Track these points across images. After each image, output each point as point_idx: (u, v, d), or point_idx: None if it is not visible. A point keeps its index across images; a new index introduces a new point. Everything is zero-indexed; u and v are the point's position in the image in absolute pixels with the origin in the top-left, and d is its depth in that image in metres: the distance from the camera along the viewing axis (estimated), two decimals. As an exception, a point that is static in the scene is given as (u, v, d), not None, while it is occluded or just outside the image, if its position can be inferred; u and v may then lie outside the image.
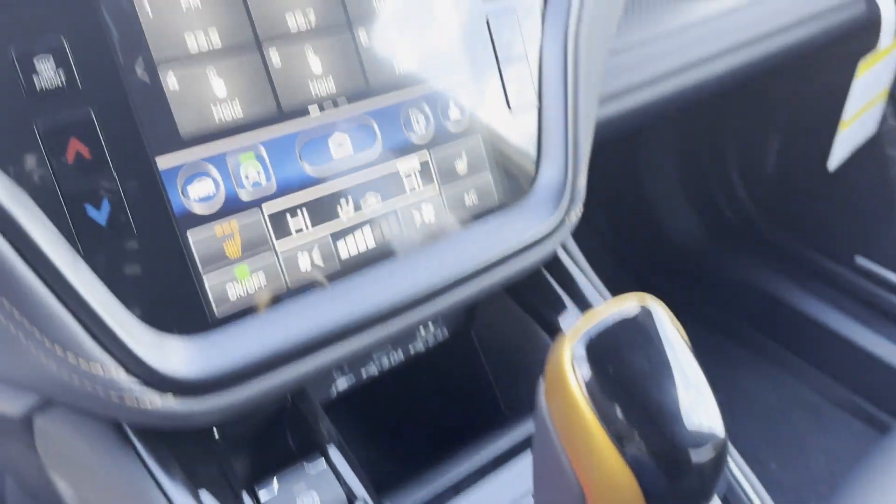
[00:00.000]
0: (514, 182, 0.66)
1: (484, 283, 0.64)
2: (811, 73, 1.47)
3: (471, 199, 0.64)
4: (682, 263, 1.85)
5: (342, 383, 0.70)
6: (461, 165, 0.64)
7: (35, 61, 0.45)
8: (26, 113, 0.45)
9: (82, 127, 0.46)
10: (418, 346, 0.75)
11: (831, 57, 1.33)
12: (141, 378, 0.47)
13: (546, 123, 0.67)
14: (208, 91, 0.51)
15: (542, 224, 0.66)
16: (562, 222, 0.67)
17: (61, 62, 0.45)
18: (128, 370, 0.47)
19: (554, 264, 0.74)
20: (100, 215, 0.48)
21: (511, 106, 0.66)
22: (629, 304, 0.41)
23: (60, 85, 0.46)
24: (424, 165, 0.62)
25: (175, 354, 0.49)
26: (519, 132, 0.67)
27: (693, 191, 1.84)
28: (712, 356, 1.69)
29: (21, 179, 0.45)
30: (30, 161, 0.45)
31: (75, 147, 0.46)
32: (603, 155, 0.91)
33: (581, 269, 0.75)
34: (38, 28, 0.45)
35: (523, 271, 0.67)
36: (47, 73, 0.45)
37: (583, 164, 0.69)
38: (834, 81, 1.31)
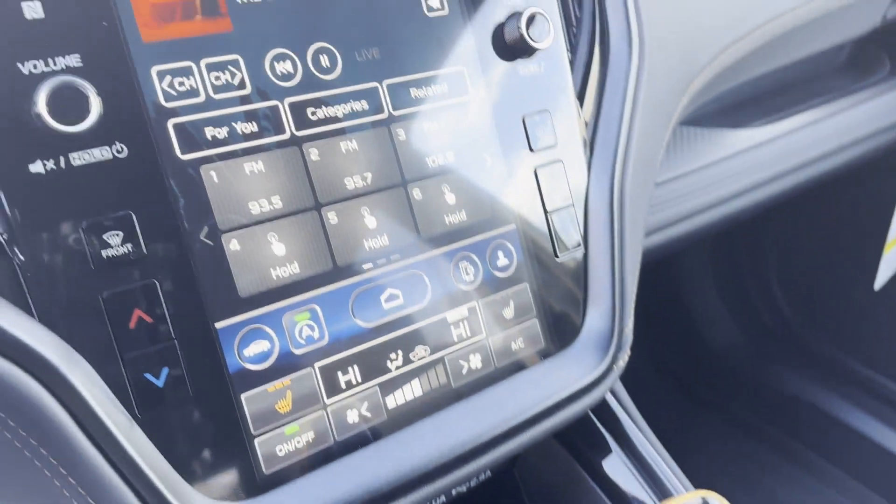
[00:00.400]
0: (561, 328, 0.66)
1: (531, 434, 0.63)
2: (856, 184, 1.47)
3: (518, 346, 0.64)
4: (722, 370, 1.82)
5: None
6: (508, 312, 0.64)
7: (104, 236, 0.47)
8: (92, 284, 0.46)
9: (146, 296, 0.48)
10: (460, 488, 0.74)
11: (877, 170, 1.32)
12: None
13: (592, 269, 0.68)
14: (268, 253, 0.53)
15: (591, 372, 0.66)
16: (610, 369, 0.67)
17: (129, 235, 0.47)
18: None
19: (599, 406, 0.73)
20: (157, 379, 0.48)
21: (558, 253, 0.66)
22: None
23: (127, 255, 0.47)
24: (472, 313, 0.62)
25: (223, 520, 0.48)
26: (565, 278, 0.67)
27: (732, 298, 1.82)
28: (751, 464, 1.64)
29: (82, 346, 0.46)
30: (92, 329, 0.46)
31: (138, 314, 0.48)
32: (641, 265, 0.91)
33: (626, 411, 0.74)
34: (108, 205, 0.47)
35: (570, 419, 0.66)
36: (115, 245, 0.47)
37: (629, 309, 0.69)
38: (881, 193, 1.30)
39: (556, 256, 0.66)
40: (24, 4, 0.45)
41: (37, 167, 0.45)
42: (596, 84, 0.70)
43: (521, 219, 0.65)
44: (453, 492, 0.74)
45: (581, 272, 0.68)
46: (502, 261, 0.64)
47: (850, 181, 1.44)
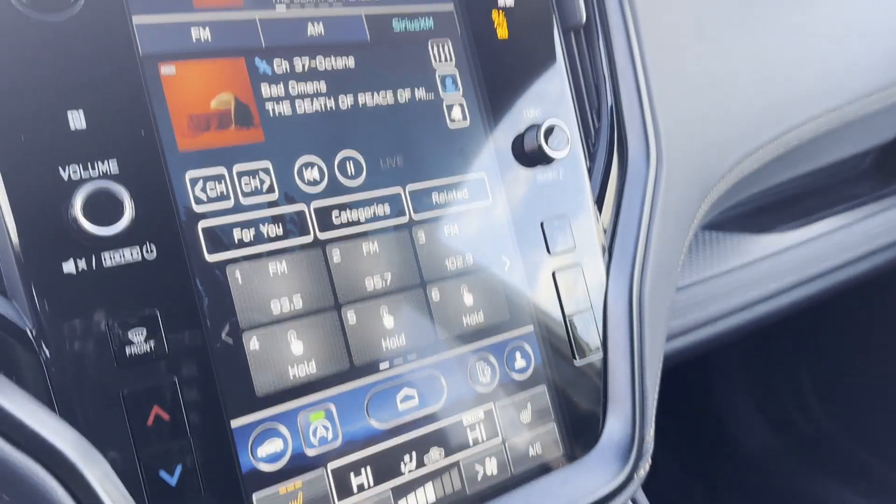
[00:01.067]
0: (580, 434, 0.66)
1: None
2: (889, 286, 1.45)
3: (535, 452, 0.63)
4: (753, 476, 1.75)
5: None
6: (526, 416, 0.63)
7: (129, 333, 0.48)
8: (114, 380, 0.48)
9: (165, 393, 0.49)
10: None
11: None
12: None
13: (612, 374, 0.67)
14: (286, 352, 0.54)
15: (610, 481, 0.64)
16: (630, 478, 0.65)
17: (153, 333, 0.49)
18: None
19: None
20: (171, 476, 0.49)
21: (576, 357, 0.66)
22: None
23: (150, 353, 0.49)
24: (489, 416, 0.62)
25: None
26: (584, 383, 0.67)
27: (764, 401, 1.77)
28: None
29: (100, 441, 0.47)
30: (111, 425, 0.47)
31: (156, 412, 0.49)
32: (669, 367, 0.90)
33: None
34: (135, 303, 0.49)
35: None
36: (139, 342, 0.48)
37: (650, 416, 0.68)
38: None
39: (575, 360, 0.66)
40: (69, 113, 0.49)
41: (69, 266, 0.47)
42: (614, 191, 0.72)
43: (540, 321, 0.65)
44: None
45: (600, 377, 0.67)
46: (520, 363, 0.64)
47: (882, 282, 1.42)
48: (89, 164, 0.48)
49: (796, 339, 1.68)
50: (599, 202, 0.71)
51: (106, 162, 0.49)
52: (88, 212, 0.47)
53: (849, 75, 0.98)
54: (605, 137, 0.73)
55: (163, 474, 0.48)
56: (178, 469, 0.49)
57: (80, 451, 0.46)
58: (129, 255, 0.49)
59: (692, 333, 0.87)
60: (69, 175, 0.48)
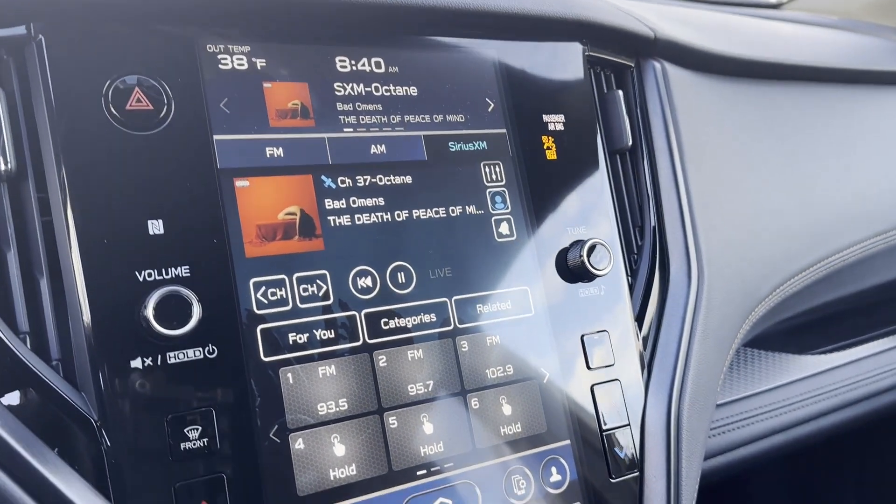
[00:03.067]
0: (612, 553, 0.65)
1: None
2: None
3: (567, 569, 0.63)
4: None
5: None
6: (559, 531, 0.64)
7: (185, 430, 0.51)
8: (167, 473, 0.50)
9: (213, 488, 0.51)
10: None
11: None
12: None
13: (647, 492, 0.67)
14: (329, 454, 0.56)
15: None
16: None
17: (207, 430, 0.52)
18: None
19: None
20: (213, 572, 0.50)
21: (612, 473, 0.67)
22: None
23: (203, 449, 0.51)
24: (522, 529, 0.62)
25: None
26: (619, 500, 0.67)
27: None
28: None
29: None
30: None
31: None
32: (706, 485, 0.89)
33: None
34: (193, 400, 0.52)
35: None
36: (193, 438, 0.51)
37: (686, 538, 0.67)
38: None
39: (611, 478, 0.67)
40: (150, 221, 0.53)
41: (136, 363, 0.51)
42: (655, 308, 0.73)
43: (577, 435, 0.66)
44: None
45: (636, 496, 0.67)
46: (555, 477, 0.65)
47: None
48: (164, 269, 0.53)
49: (842, 463, 1.62)
50: (640, 318, 0.73)
51: (179, 268, 0.53)
52: (159, 313, 0.51)
53: (892, 200, 0.99)
54: (648, 256, 0.75)
55: (203, 570, 0.50)
56: (221, 565, 0.51)
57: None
58: (192, 354, 0.52)
59: (731, 452, 0.87)
60: (144, 278, 0.52)
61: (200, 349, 0.52)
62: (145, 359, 0.51)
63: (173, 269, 0.53)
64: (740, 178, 0.86)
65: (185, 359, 0.52)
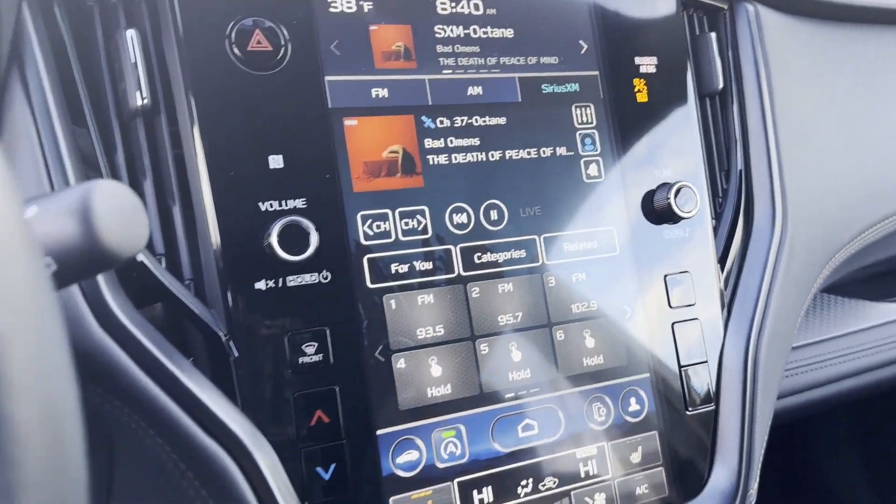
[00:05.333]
0: (685, 480, 0.69)
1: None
2: None
3: (641, 492, 0.68)
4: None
5: None
6: (636, 457, 0.68)
7: (303, 345, 0.56)
8: (287, 384, 0.56)
9: (327, 399, 0.57)
10: None
11: None
12: None
13: (721, 426, 0.71)
14: (427, 374, 0.61)
15: (711, 528, 0.68)
16: (731, 528, 0.68)
17: (322, 346, 0.57)
18: None
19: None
20: (325, 472, 0.57)
21: (688, 406, 0.70)
22: None
23: (318, 364, 0.57)
24: (601, 453, 0.67)
25: None
26: (694, 432, 0.70)
27: (874, 468, 1.71)
28: None
29: (271, 435, 0.55)
30: (281, 421, 0.56)
31: (318, 415, 0.57)
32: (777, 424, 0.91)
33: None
34: (309, 320, 0.57)
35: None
36: (310, 354, 0.57)
37: (755, 470, 0.70)
38: None
39: (687, 410, 0.70)
40: (269, 157, 0.58)
41: (260, 285, 0.56)
42: (738, 251, 0.75)
43: (655, 369, 0.70)
44: None
45: (710, 427, 0.71)
46: (634, 407, 0.68)
47: None
48: (283, 200, 0.57)
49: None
50: (722, 260, 0.75)
51: (297, 199, 0.58)
52: (281, 240, 0.56)
53: None
54: (733, 199, 0.77)
55: (318, 469, 0.56)
56: (332, 467, 0.57)
57: (255, 441, 0.54)
58: (310, 278, 0.57)
59: (804, 394, 0.89)
60: (266, 208, 0.57)
61: (316, 274, 0.57)
62: (268, 281, 0.56)
63: (292, 200, 0.57)
64: (827, 123, 0.85)
65: (303, 282, 0.57)
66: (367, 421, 0.58)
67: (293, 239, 0.56)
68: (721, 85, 0.77)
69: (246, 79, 0.58)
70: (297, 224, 0.56)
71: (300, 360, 0.56)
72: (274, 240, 0.55)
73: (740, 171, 0.78)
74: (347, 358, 0.58)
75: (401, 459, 0.59)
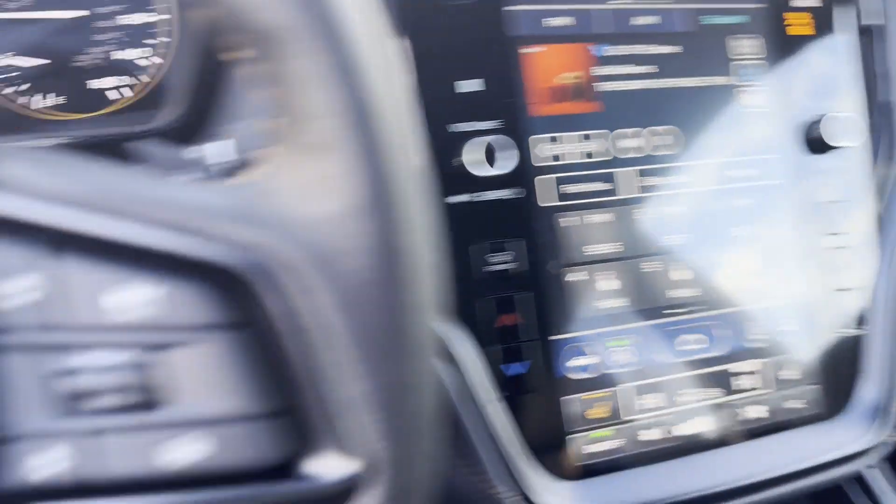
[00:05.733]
0: (833, 396, 0.72)
1: (790, 488, 0.69)
2: None
3: (791, 406, 0.71)
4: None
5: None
6: (787, 374, 0.71)
7: (490, 254, 0.62)
8: (480, 288, 0.62)
9: (512, 304, 0.62)
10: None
11: None
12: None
13: (870, 348, 0.73)
14: (598, 287, 0.65)
15: (855, 442, 0.71)
16: (875, 444, 0.71)
17: (507, 256, 0.62)
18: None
19: (859, 482, 0.77)
20: (509, 371, 0.62)
21: (839, 328, 0.73)
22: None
23: (504, 272, 0.62)
24: (756, 369, 0.70)
25: (544, 489, 0.61)
26: (843, 351, 0.73)
27: None
28: None
29: (469, 334, 0.61)
30: (476, 322, 0.61)
31: (503, 318, 0.62)
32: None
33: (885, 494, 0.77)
34: (497, 231, 0.62)
35: (830, 483, 0.71)
36: (496, 262, 0.62)
37: (902, 391, 0.73)
38: None
39: (838, 332, 0.73)
40: (462, 82, 0.62)
41: (454, 199, 0.61)
42: (893, 182, 0.76)
43: (810, 293, 0.72)
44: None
45: (859, 349, 0.73)
46: (788, 327, 0.72)
47: None
48: (474, 122, 0.62)
49: None
50: (880, 191, 0.76)
51: (486, 122, 0.62)
52: (471, 159, 0.61)
53: None
54: (890, 132, 0.77)
55: (503, 368, 0.62)
56: (515, 367, 0.62)
57: (458, 337, 0.60)
58: (500, 194, 0.62)
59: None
60: (460, 129, 0.62)
61: (507, 191, 0.62)
62: (461, 196, 0.61)
63: (481, 122, 0.62)
64: None
65: (491, 198, 0.62)
66: (548, 328, 0.63)
67: (482, 158, 0.61)
68: (884, 20, 0.78)
69: (439, 7, 0.62)
70: (485, 144, 0.61)
71: (485, 268, 0.62)
72: (465, 158, 0.60)
73: (890, 104, 0.79)
74: (527, 269, 0.63)
75: (574, 363, 0.64)
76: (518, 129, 0.63)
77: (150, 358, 0.31)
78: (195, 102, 0.61)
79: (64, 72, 0.67)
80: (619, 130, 0.67)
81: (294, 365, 0.32)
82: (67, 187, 0.31)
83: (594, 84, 0.67)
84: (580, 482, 0.63)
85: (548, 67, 0.65)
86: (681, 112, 0.69)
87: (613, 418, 0.65)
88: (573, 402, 0.64)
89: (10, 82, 0.66)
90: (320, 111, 0.32)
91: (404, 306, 0.33)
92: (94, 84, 0.68)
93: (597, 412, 0.65)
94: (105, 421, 0.30)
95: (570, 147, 0.65)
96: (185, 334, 0.31)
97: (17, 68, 0.66)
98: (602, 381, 0.65)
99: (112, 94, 0.69)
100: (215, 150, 0.45)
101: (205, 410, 0.31)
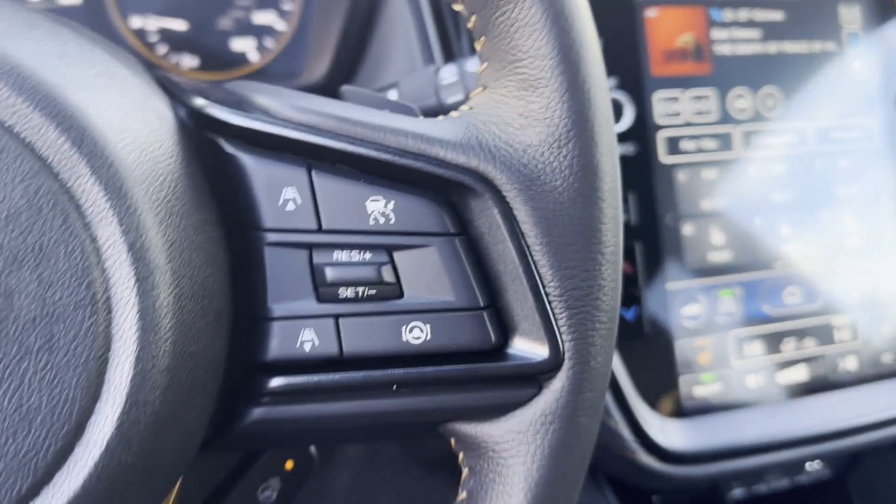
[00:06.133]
0: (929, 352, 0.75)
1: (879, 434, 0.73)
2: None
3: (886, 360, 0.74)
4: None
5: (737, 493, 0.82)
6: (884, 328, 0.74)
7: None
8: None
9: (630, 254, 0.66)
10: (801, 479, 0.84)
11: None
12: (644, 445, 0.64)
13: (966, 307, 0.76)
14: (709, 240, 0.69)
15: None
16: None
17: (625, 208, 0.66)
18: (637, 439, 0.64)
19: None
20: (627, 313, 0.66)
21: (936, 287, 0.76)
22: None
23: (627, 224, 0.66)
24: (853, 322, 0.73)
25: (657, 426, 0.65)
26: (939, 310, 0.76)
27: None
28: None
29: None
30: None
31: (624, 266, 0.66)
32: None
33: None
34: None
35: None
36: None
37: None
38: None
39: (934, 290, 0.76)
40: (584, 43, 0.66)
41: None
42: None
43: (904, 252, 0.75)
44: (793, 481, 0.85)
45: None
46: (883, 283, 0.75)
47: None
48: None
49: None
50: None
51: (609, 78, 0.66)
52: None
53: None
54: None
55: (622, 311, 0.66)
56: (633, 311, 0.66)
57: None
58: (623, 149, 0.66)
59: None
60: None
61: (629, 144, 0.66)
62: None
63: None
64: None
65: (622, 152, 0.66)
66: (660, 276, 0.68)
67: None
68: None
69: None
70: (613, 100, 0.65)
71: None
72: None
73: None
74: (645, 221, 0.67)
75: (686, 311, 0.68)
76: (639, 87, 0.67)
77: (390, 258, 0.36)
78: (337, 61, 0.66)
79: (207, 34, 0.72)
80: (731, 91, 0.70)
81: (500, 268, 0.37)
82: (317, 116, 0.36)
83: (710, 46, 0.70)
84: (689, 420, 0.68)
85: (668, 29, 0.69)
86: (790, 75, 0.72)
87: (720, 364, 0.69)
88: (683, 347, 0.68)
89: (163, 43, 0.72)
90: (531, 54, 0.37)
91: (600, 219, 0.37)
92: (236, 45, 0.74)
93: (705, 358, 0.69)
94: (356, 307, 0.36)
95: (686, 106, 0.69)
96: (416, 239, 0.37)
97: (169, 31, 0.72)
98: (710, 329, 0.69)
99: (252, 56, 0.74)
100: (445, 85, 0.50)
101: (432, 302, 0.37)
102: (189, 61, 0.73)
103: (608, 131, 0.38)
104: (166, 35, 0.72)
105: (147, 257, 0.31)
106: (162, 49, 0.72)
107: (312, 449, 0.46)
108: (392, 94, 0.54)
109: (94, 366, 0.30)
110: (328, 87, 0.67)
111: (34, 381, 0.29)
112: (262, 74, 0.73)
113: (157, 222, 0.32)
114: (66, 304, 0.30)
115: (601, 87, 0.38)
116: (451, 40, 0.65)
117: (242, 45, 0.74)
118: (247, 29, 0.73)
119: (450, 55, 0.64)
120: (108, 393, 0.30)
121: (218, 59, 0.73)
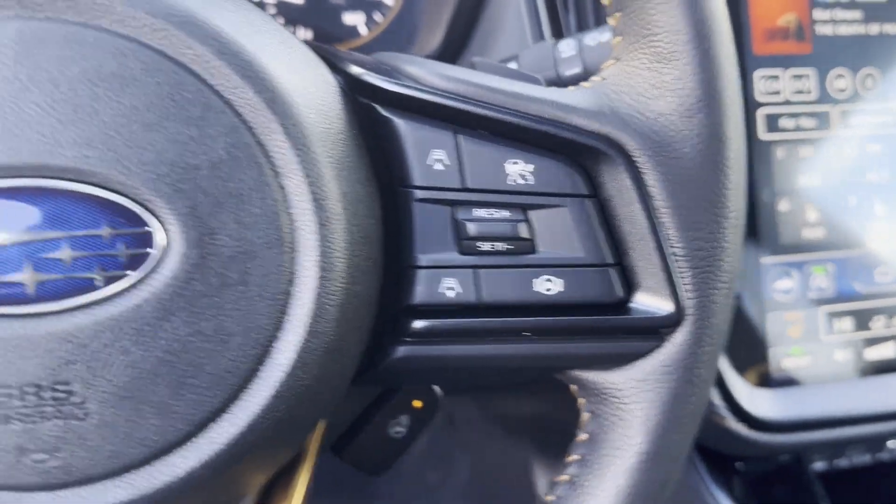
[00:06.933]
0: None
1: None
2: None
3: (978, 342, 0.75)
4: None
5: (818, 466, 0.83)
6: (976, 311, 0.75)
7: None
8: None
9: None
10: (883, 456, 0.85)
11: None
12: (733, 412, 0.66)
13: None
14: (804, 217, 0.71)
15: None
16: None
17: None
18: (727, 405, 0.66)
19: None
20: (718, 287, 0.69)
21: None
22: None
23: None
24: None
25: (747, 395, 0.67)
26: None
27: None
28: None
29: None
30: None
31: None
32: None
33: None
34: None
35: None
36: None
37: None
38: None
39: None
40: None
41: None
42: None
43: None
44: (874, 458, 0.86)
45: None
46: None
47: None
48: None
49: None
50: None
51: (712, 57, 0.68)
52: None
53: None
54: None
55: (714, 284, 0.68)
56: (725, 283, 0.69)
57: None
58: (723, 125, 0.68)
59: None
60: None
61: (728, 121, 0.68)
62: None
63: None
64: None
65: (713, 128, 0.68)
66: (755, 249, 0.69)
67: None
68: None
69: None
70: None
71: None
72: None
73: None
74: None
75: (778, 285, 0.70)
76: (741, 65, 0.69)
77: (526, 216, 0.40)
78: (450, 35, 0.69)
79: (322, 7, 0.76)
80: (832, 71, 0.71)
81: (627, 228, 0.40)
82: (462, 84, 0.40)
83: (812, 26, 0.71)
84: (776, 390, 0.70)
85: (771, 9, 0.70)
86: (890, 57, 0.73)
87: (809, 338, 0.71)
88: (774, 320, 0.70)
89: (280, 16, 0.76)
90: (666, 28, 0.40)
91: (725, 185, 0.40)
92: (348, 19, 0.77)
93: (795, 331, 0.70)
94: (494, 259, 0.39)
95: (786, 84, 0.70)
96: (550, 199, 0.40)
97: (286, 3, 0.76)
98: (802, 303, 0.71)
99: (362, 30, 0.78)
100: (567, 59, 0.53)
101: (563, 257, 0.40)
102: (303, 33, 0.78)
103: (736, 103, 0.41)
104: (283, 7, 0.76)
105: (326, 205, 0.35)
106: (279, 21, 0.76)
107: (438, 390, 0.50)
108: (512, 66, 0.57)
109: (281, 298, 0.34)
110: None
111: (231, 310, 0.34)
112: (370, 48, 0.77)
113: (333, 175, 0.36)
114: (260, 243, 0.34)
115: (730, 61, 0.41)
116: (560, 15, 0.68)
117: (353, 18, 0.78)
118: (358, 3, 0.77)
119: (558, 30, 0.67)
120: (290, 322, 0.35)
121: (330, 32, 0.77)
